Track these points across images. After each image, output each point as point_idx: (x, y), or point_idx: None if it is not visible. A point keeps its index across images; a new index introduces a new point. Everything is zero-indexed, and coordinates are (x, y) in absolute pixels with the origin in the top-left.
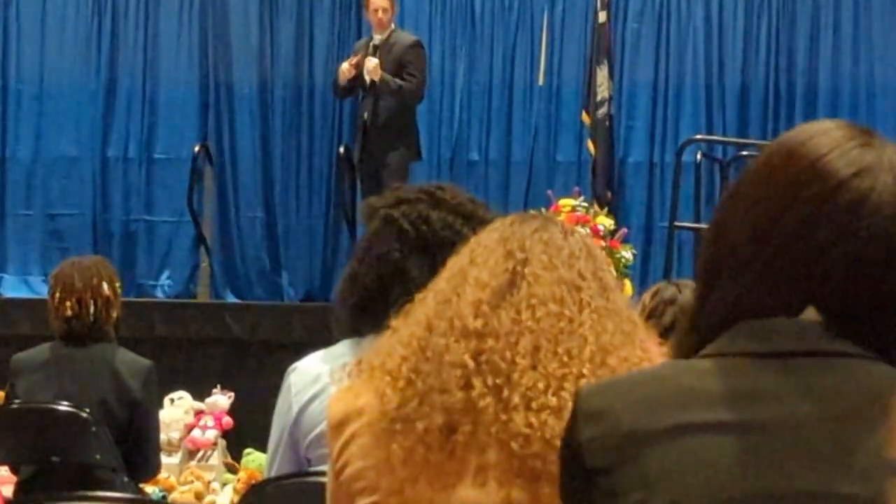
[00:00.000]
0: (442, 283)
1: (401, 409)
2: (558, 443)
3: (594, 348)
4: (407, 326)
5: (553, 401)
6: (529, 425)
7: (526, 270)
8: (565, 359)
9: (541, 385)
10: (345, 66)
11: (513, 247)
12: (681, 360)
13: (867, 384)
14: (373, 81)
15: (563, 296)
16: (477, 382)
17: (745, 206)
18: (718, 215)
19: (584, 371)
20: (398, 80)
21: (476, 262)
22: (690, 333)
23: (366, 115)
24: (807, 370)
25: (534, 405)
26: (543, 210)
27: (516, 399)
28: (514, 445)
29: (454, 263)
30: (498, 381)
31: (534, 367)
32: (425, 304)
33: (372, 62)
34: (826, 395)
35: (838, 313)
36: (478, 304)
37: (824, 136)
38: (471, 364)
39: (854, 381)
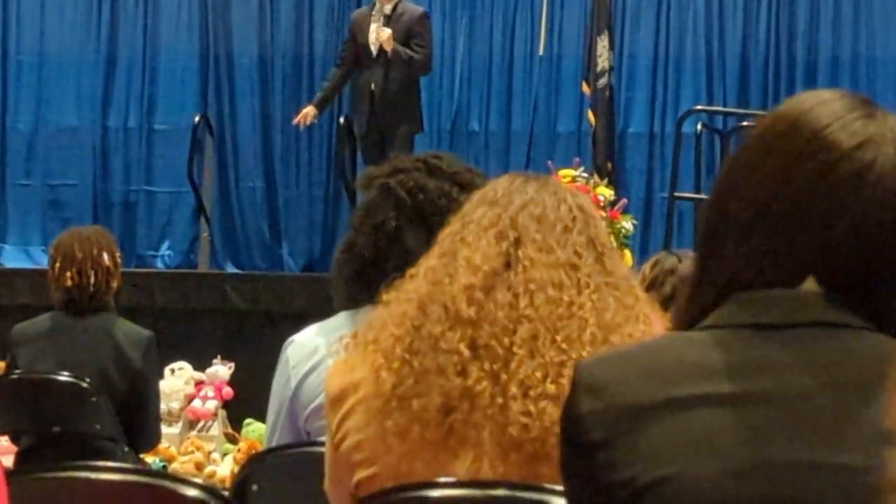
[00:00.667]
0: (433, 260)
1: (396, 389)
2: (557, 429)
3: (595, 329)
4: (399, 303)
5: (552, 388)
6: (527, 413)
7: (520, 253)
8: (564, 346)
9: (538, 374)
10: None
11: (504, 226)
12: (680, 332)
13: (867, 355)
14: (381, 52)
15: (562, 279)
16: (473, 369)
17: (747, 177)
18: (719, 185)
19: (584, 355)
20: (409, 52)
21: (467, 242)
22: (690, 304)
23: (373, 85)
24: (806, 341)
25: (531, 393)
26: None
27: (514, 388)
28: (511, 431)
29: (445, 238)
30: (495, 366)
31: (531, 356)
32: (417, 281)
33: (385, 32)
34: (826, 366)
35: (838, 284)
36: (471, 289)
37: (825, 106)
38: (466, 353)
39: (854, 352)
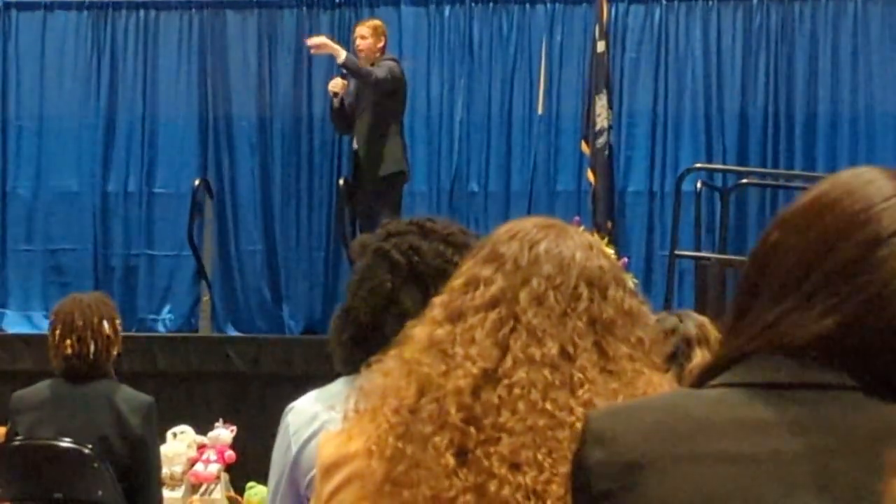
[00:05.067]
0: (437, 324)
1: (389, 473)
2: None
3: None
4: (398, 378)
5: None
6: None
7: (511, 341)
8: (547, 463)
9: (519, 496)
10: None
11: (505, 305)
12: (693, 390)
13: (870, 419)
14: (348, 105)
15: (548, 379)
16: (458, 479)
17: (789, 239)
18: (762, 242)
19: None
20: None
21: (467, 318)
22: (712, 360)
23: (355, 143)
24: (816, 402)
25: None
26: None
27: None
28: None
29: (455, 293)
30: (479, 479)
31: (513, 473)
32: (418, 351)
33: (341, 53)
34: (829, 428)
35: (860, 351)
36: (460, 394)
37: (877, 184)
38: (451, 462)
39: (857, 416)
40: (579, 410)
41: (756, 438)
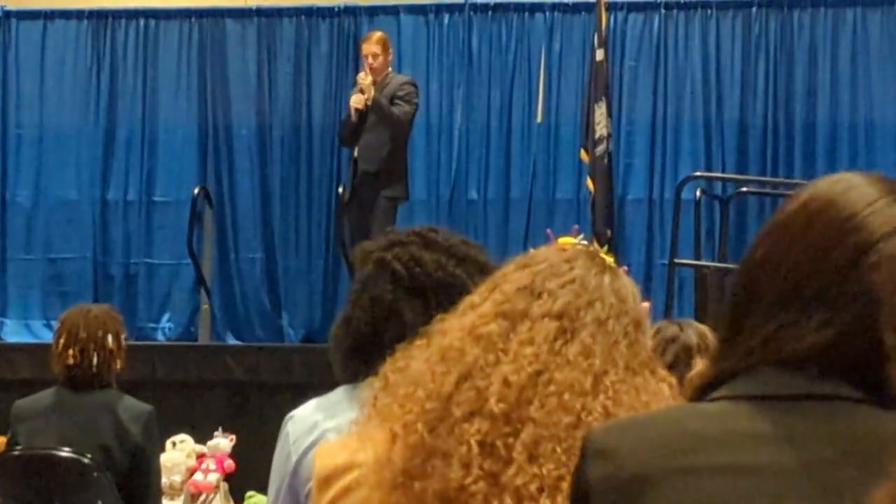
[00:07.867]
0: (490, 322)
1: (406, 464)
2: None
3: None
4: (436, 361)
5: (547, 503)
6: None
7: (564, 350)
8: (563, 458)
9: (533, 487)
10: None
11: (569, 319)
12: (692, 404)
13: (872, 429)
14: (361, 118)
15: (584, 388)
16: (475, 465)
17: (778, 253)
18: (749, 258)
19: None
20: (389, 105)
21: (528, 321)
22: (710, 374)
23: (356, 152)
24: (809, 414)
25: None
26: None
27: (508, 500)
28: None
29: (504, 301)
30: (495, 467)
31: (530, 463)
32: (458, 340)
33: (367, 78)
34: (830, 439)
35: (858, 361)
36: (507, 385)
37: (858, 190)
38: (475, 449)
39: (859, 426)
40: (598, 411)
41: (756, 450)
